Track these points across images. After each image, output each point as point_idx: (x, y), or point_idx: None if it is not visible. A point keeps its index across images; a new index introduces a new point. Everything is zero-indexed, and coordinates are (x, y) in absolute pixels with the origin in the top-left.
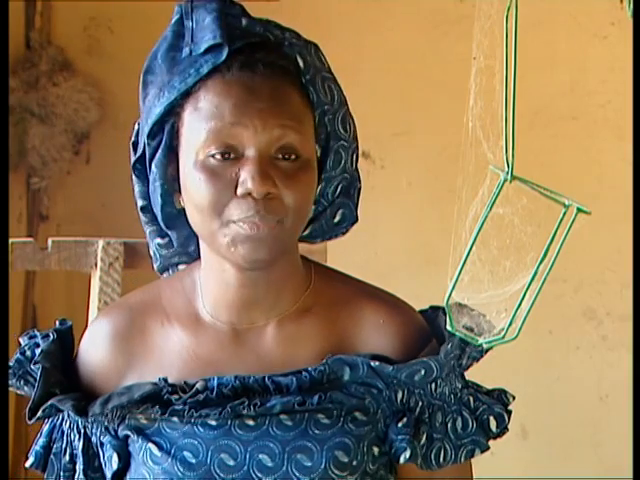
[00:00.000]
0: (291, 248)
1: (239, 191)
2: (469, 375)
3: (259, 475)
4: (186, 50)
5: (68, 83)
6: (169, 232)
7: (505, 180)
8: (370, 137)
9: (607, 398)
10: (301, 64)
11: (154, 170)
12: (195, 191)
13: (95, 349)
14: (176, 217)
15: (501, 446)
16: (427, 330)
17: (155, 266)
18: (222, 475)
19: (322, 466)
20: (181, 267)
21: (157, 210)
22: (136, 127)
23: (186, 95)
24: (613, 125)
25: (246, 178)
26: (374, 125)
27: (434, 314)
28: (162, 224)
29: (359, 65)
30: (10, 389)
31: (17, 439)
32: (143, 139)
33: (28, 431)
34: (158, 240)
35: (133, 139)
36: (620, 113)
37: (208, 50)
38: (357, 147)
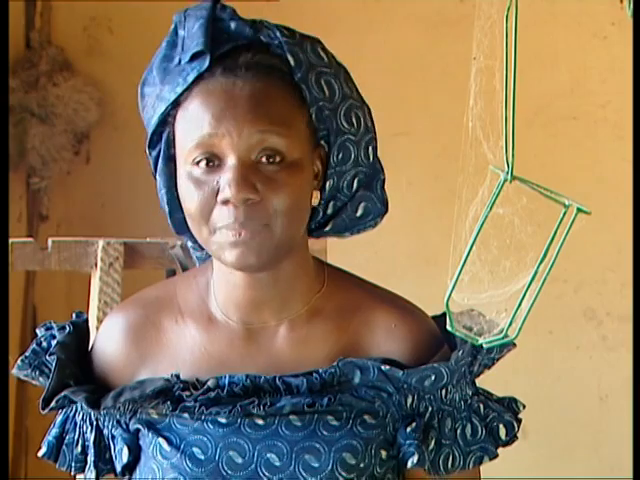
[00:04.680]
0: (293, 250)
1: (219, 198)
2: None
3: (266, 474)
4: (176, 59)
5: (68, 83)
6: (184, 237)
7: (505, 180)
8: None
9: (607, 398)
10: (292, 62)
11: (158, 179)
12: (184, 199)
13: (110, 343)
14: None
15: None
16: (439, 336)
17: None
18: (230, 472)
19: (329, 467)
20: None
21: (167, 218)
22: None
23: (177, 104)
24: (613, 125)
25: (225, 185)
26: None
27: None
28: (173, 230)
29: (359, 65)
30: (25, 379)
31: (17, 437)
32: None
33: (28, 429)
34: (190, 243)
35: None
36: (620, 113)
37: (194, 58)
38: (373, 138)
